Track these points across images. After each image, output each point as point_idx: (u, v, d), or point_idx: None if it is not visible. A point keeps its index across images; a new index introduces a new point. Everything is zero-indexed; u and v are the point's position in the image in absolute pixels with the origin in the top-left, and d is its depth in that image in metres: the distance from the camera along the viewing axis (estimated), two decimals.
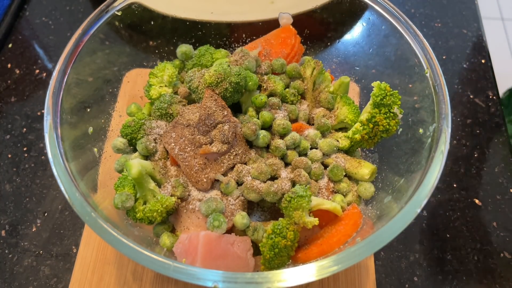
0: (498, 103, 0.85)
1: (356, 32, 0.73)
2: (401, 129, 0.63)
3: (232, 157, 0.59)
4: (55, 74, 0.58)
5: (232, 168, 0.59)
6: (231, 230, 0.57)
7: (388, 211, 0.54)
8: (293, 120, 0.66)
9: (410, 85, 0.63)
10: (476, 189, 0.75)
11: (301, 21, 0.74)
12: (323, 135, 0.66)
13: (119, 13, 0.66)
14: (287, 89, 0.68)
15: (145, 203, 0.58)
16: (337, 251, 0.53)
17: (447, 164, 0.78)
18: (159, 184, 0.60)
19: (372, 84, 0.60)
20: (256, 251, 0.55)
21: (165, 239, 0.57)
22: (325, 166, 0.63)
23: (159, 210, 0.55)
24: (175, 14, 0.73)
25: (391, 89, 0.58)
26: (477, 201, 0.74)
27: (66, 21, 0.98)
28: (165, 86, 0.68)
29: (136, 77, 0.74)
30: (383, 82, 0.59)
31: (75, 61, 0.60)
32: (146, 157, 0.63)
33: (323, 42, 0.77)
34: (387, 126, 0.59)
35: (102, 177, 0.61)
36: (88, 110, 0.64)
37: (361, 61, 0.73)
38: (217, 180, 0.59)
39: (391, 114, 0.59)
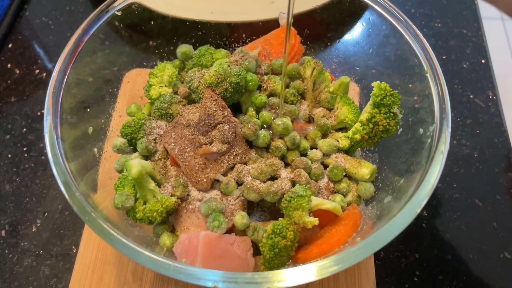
0: (498, 103, 0.85)
1: (356, 32, 0.73)
2: (401, 129, 0.63)
3: (232, 157, 0.59)
4: (55, 74, 0.58)
5: (232, 168, 0.59)
6: (231, 230, 0.57)
7: (388, 211, 0.54)
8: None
9: (410, 85, 0.63)
10: (476, 189, 0.75)
11: (301, 21, 0.73)
12: (323, 135, 0.66)
13: (119, 13, 0.66)
14: (287, 89, 0.68)
15: (145, 203, 0.58)
16: (337, 251, 0.53)
17: (447, 164, 0.78)
18: (159, 184, 0.60)
19: (372, 84, 0.60)
20: (256, 251, 0.55)
21: (165, 239, 0.57)
22: (325, 166, 0.63)
23: (159, 210, 0.55)
24: (175, 14, 0.73)
25: (391, 89, 0.58)
26: (477, 201, 0.74)
27: (66, 21, 0.98)
28: (165, 86, 0.68)
29: (136, 77, 0.74)
30: (383, 82, 0.59)
31: (75, 61, 0.60)
32: (146, 157, 0.63)
33: (323, 42, 0.77)
34: (387, 126, 0.59)
35: (102, 177, 0.61)
36: (88, 110, 0.64)
37: (361, 61, 0.73)
38: (217, 180, 0.59)
39: (391, 114, 0.59)
